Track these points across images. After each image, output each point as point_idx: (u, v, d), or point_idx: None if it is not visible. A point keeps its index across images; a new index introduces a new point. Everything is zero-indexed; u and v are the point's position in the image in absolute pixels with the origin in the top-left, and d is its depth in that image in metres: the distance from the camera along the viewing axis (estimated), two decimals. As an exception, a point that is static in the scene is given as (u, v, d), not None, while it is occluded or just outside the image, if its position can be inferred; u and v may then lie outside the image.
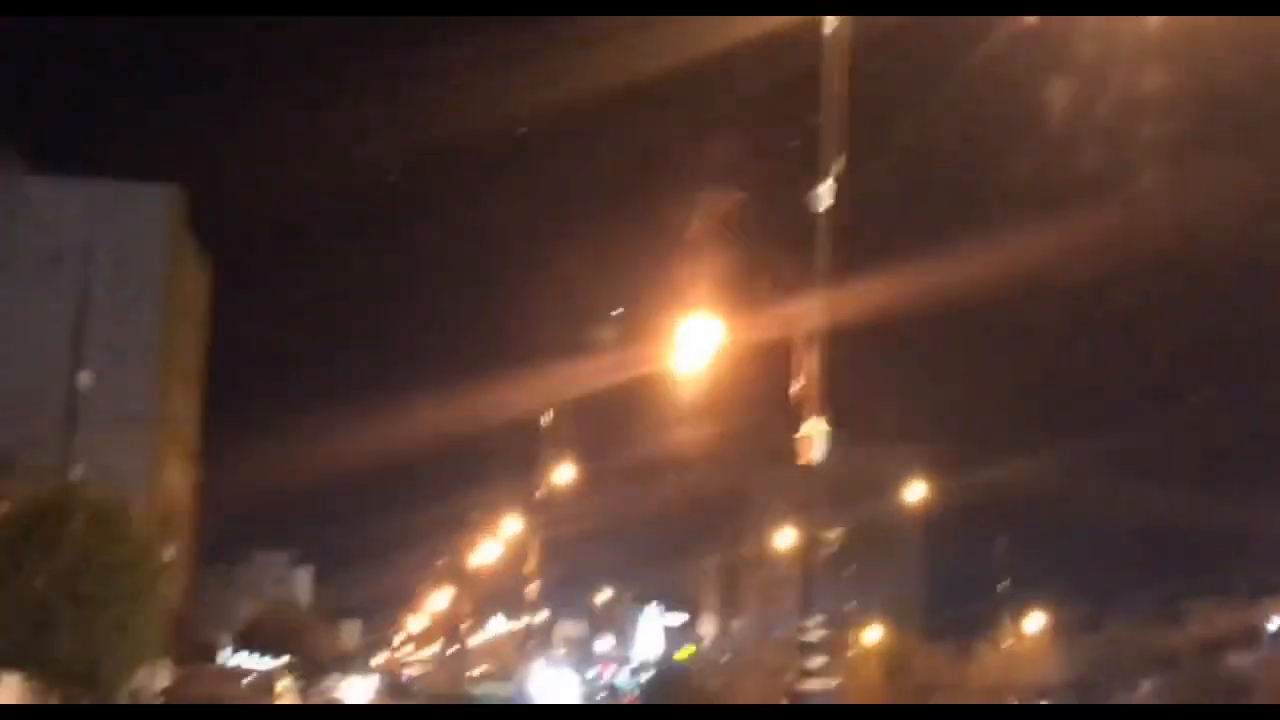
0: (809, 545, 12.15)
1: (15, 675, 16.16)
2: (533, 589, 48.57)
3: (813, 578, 12.48)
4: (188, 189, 61.06)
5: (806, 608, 12.35)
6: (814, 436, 11.94)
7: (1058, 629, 56.33)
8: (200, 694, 24.03)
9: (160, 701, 25.76)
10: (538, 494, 45.79)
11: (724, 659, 76.37)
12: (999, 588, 53.52)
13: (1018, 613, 55.00)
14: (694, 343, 15.26)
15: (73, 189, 56.25)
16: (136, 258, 56.49)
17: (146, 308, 56.64)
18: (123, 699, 16.75)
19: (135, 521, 17.01)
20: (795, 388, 12.32)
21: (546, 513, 47.80)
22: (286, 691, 29.51)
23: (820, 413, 12.07)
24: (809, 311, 12.33)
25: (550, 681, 44.47)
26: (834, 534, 12.46)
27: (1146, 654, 56.01)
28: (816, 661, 12.06)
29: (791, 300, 13.23)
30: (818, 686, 11.84)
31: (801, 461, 11.93)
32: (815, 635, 12.10)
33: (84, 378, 32.42)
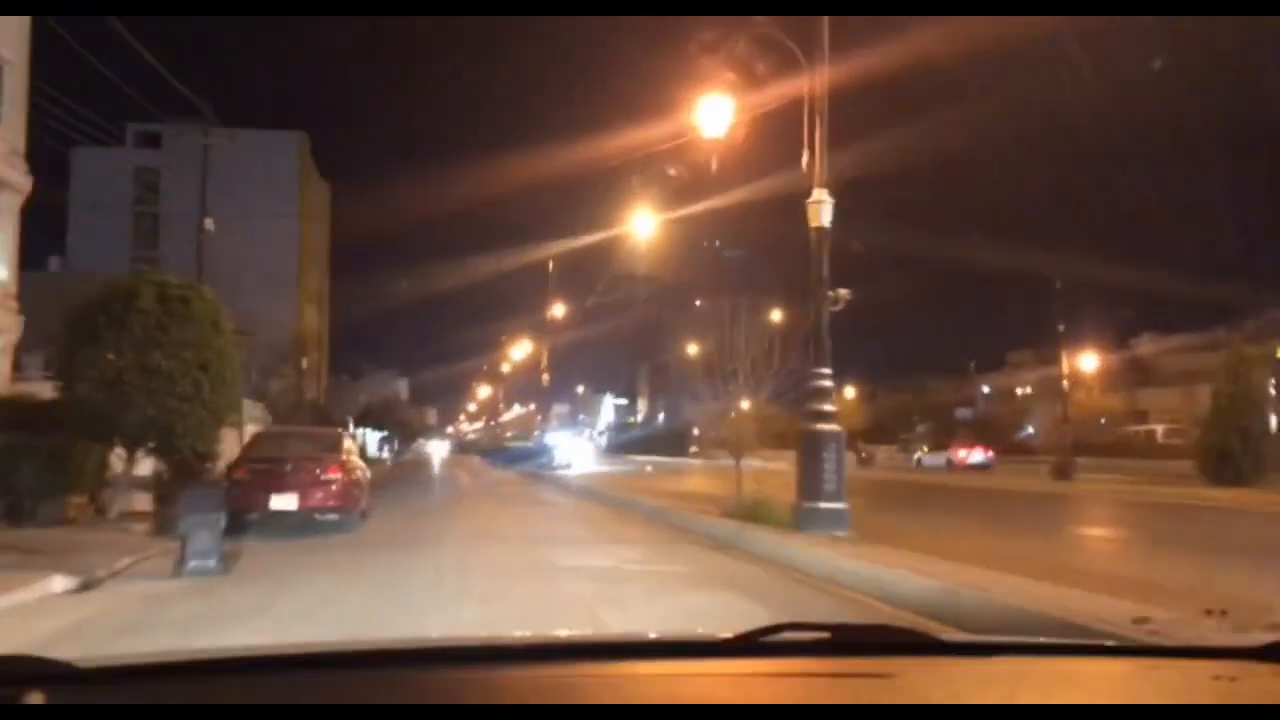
0: (820, 306, 11.70)
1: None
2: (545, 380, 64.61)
3: (822, 334, 11.92)
4: (311, 133, 78.80)
5: (820, 357, 12.08)
6: (822, 203, 11.75)
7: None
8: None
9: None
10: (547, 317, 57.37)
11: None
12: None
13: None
14: (713, 114, 13.93)
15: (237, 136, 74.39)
16: (279, 179, 74.64)
17: (287, 211, 74.95)
18: (195, 460, 15.43)
19: (203, 301, 15.33)
20: (804, 160, 12.00)
21: (549, 335, 61.39)
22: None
23: (823, 184, 11.75)
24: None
25: (554, 437, 56.60)
26: (844, 293, 12.09)
27: (911, 411, 74.36)
28: (825, 405, 12.01)
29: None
30: (827, 427, 11.65)
31: (813, 225, 11.71)
32: (824, 382, 12.05)
33: (208, 223, 31.60)
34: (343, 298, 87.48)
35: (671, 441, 74.83)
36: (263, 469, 14.04)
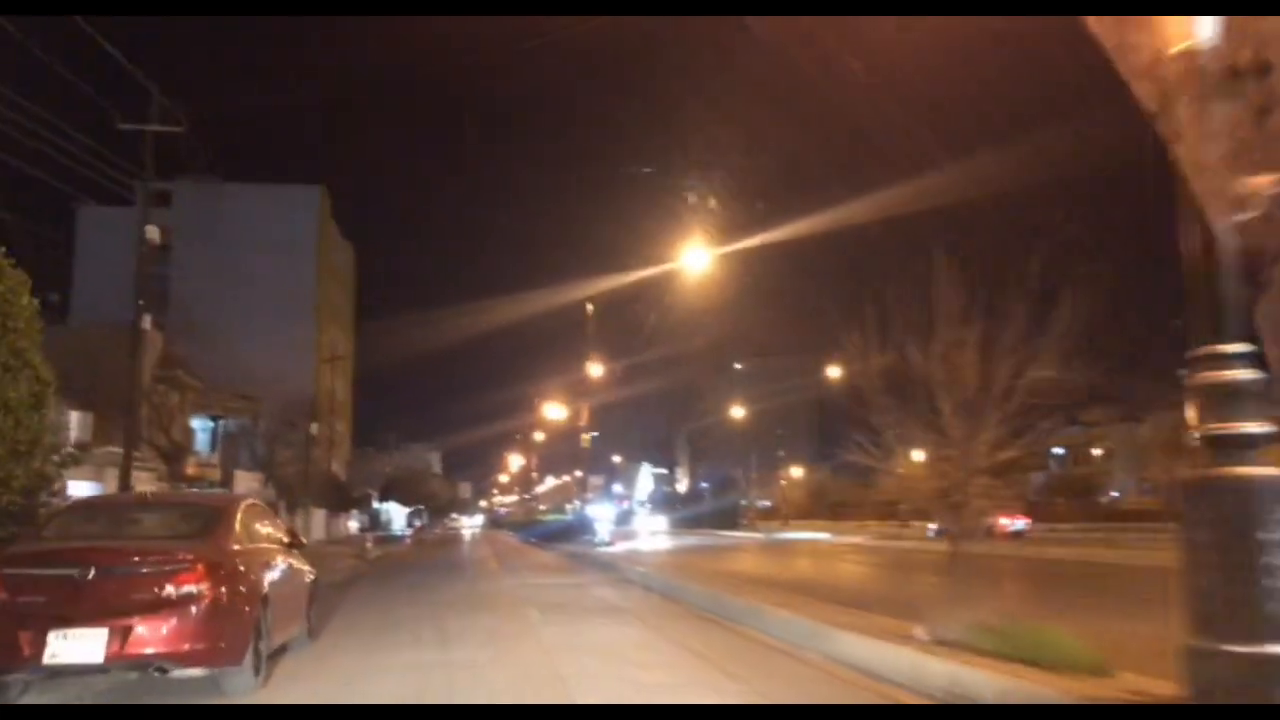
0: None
1: None
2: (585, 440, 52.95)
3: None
4: (332, 190, 73.19)
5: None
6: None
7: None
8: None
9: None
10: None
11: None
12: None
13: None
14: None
15: (251, 190, 69.41)
16: (295, 235, 68.96)
17: (304, 269, 69.19)
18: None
19: None
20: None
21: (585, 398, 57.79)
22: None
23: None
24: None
25: (595, 509, 49.07)
26: None
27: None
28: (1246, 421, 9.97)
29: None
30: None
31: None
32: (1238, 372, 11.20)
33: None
34: (368, 365, 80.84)
35: (721, 514, 67.10)
36: (39, 580, 6.75)
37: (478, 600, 14.89)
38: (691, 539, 47.55)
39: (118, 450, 24.62)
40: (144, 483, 26.88)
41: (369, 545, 38.35)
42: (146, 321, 22.76)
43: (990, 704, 5.99)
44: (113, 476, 24.79)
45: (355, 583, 20.15)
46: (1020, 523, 43.80)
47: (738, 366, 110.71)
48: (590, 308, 36.85)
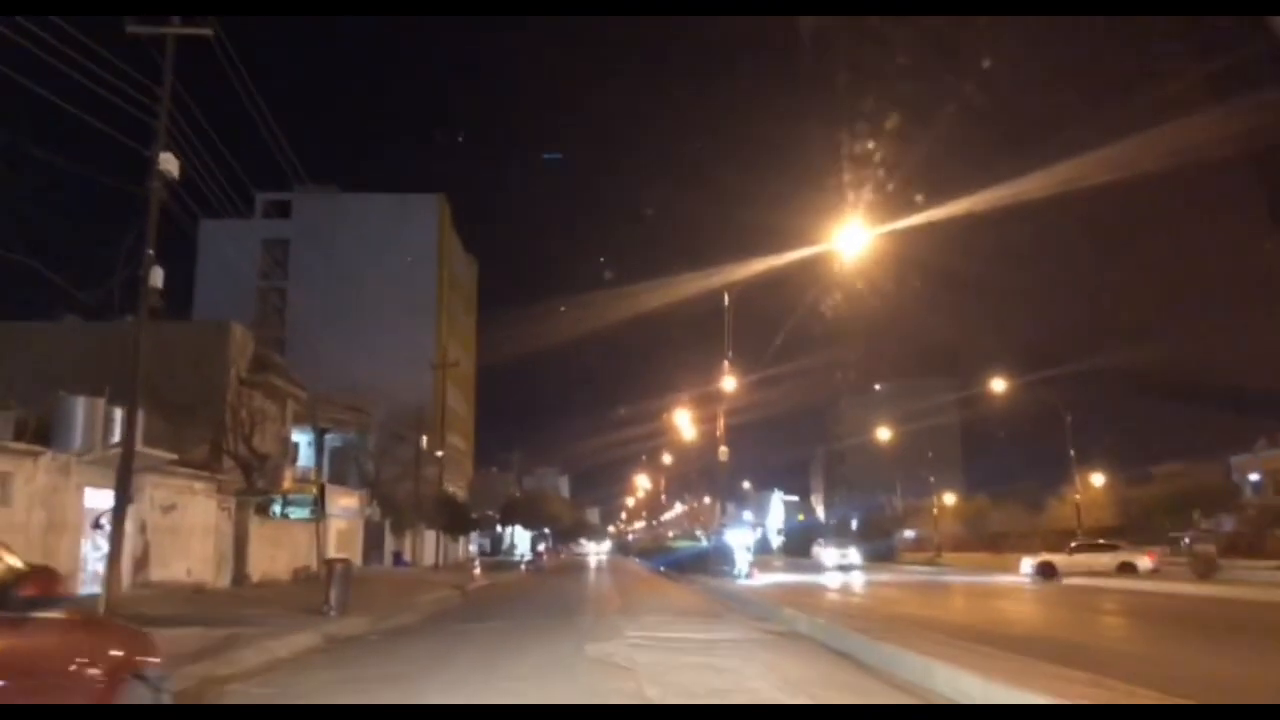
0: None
1: None
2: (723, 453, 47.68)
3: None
4: (456, 200, 69.45)
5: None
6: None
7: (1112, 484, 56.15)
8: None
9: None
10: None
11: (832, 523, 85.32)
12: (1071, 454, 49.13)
13: (1085, 473, 52.95)
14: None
15: (370, 200, 66.40)
16: (417, 244, 65.39)
17: (424, 279, 65.45)
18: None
19: None
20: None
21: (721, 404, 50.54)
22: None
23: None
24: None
25: (732, 536, 45.50)
26: None
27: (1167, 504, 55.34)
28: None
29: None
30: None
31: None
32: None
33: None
34: (493, 386, 76.81)
35: (877, 548, 60.01)
36: None
37: (573, 671, 9.02)
38: (840, 575, 40.72)
39: (162, 455, 19.88)
40: (194, 494, 22.09)
41: (476, 572, 33.18)
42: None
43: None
44: (153, 483, 20.08)
45: (417, 630, 14.63)
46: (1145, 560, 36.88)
47: (877, 387, 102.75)
48: (728, 298, 30.79)
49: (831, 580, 35.13)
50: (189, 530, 21.52)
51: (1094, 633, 14.76)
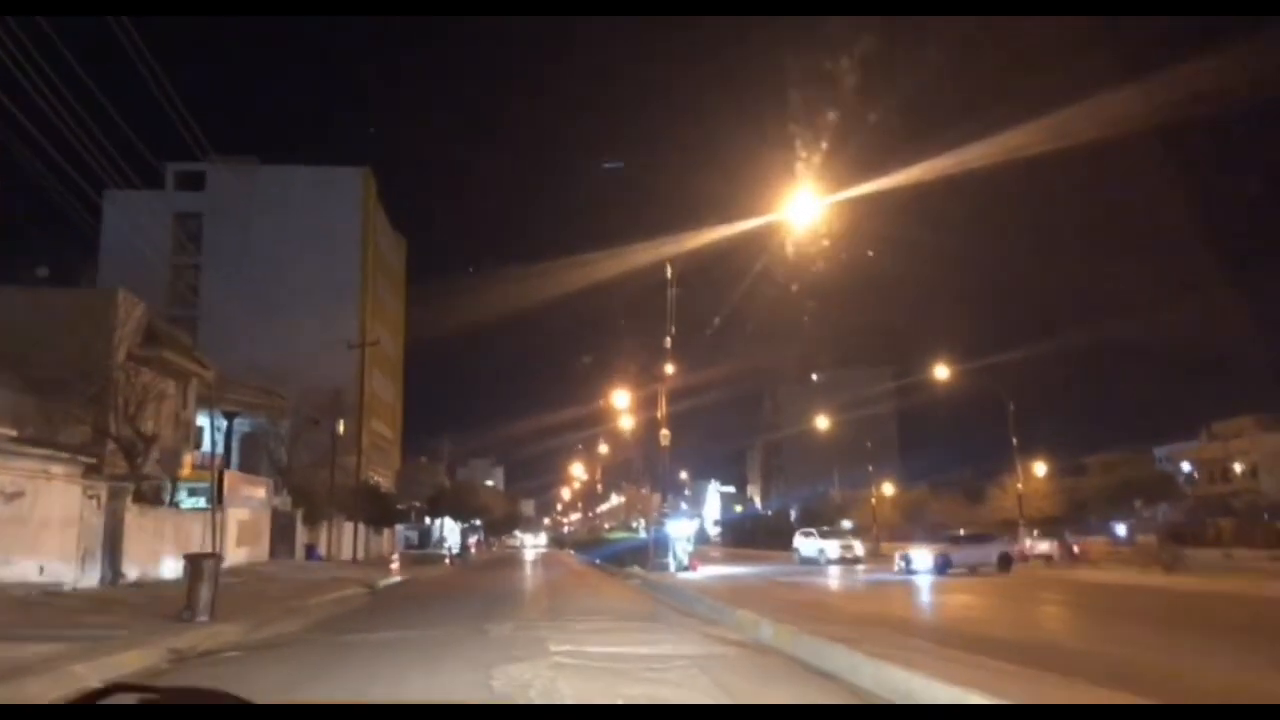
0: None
1: None
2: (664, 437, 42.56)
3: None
4: (379, 174, 65.53)
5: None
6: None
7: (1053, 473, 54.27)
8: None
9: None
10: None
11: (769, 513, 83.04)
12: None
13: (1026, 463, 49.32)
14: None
15: (289, 172, 61.99)
16: (339, 221, 61.46)
17: (347, 258, 61.54)
18: None
19: None
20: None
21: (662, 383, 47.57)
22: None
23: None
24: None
25: (673, 527, 42.87)
26: None
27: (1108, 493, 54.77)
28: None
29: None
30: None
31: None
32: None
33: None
34: (423, 372, 72.93)
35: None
36: None
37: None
38: (776, 566, 38.39)
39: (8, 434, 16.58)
40: (50, 479, 18.72)
41: (393, 567, 30.11)
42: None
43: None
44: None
45: (289, 644, 11.71)
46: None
47: (815, 377, 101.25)
48: (670, 271, 28.13)
49: (761, 570, 32.83)
50: (41, 521, 18.17)
51: (1118, 639, 12.42)
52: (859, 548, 41.38)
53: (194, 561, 13.60)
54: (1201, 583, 22.72)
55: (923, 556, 30.07)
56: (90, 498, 20.14)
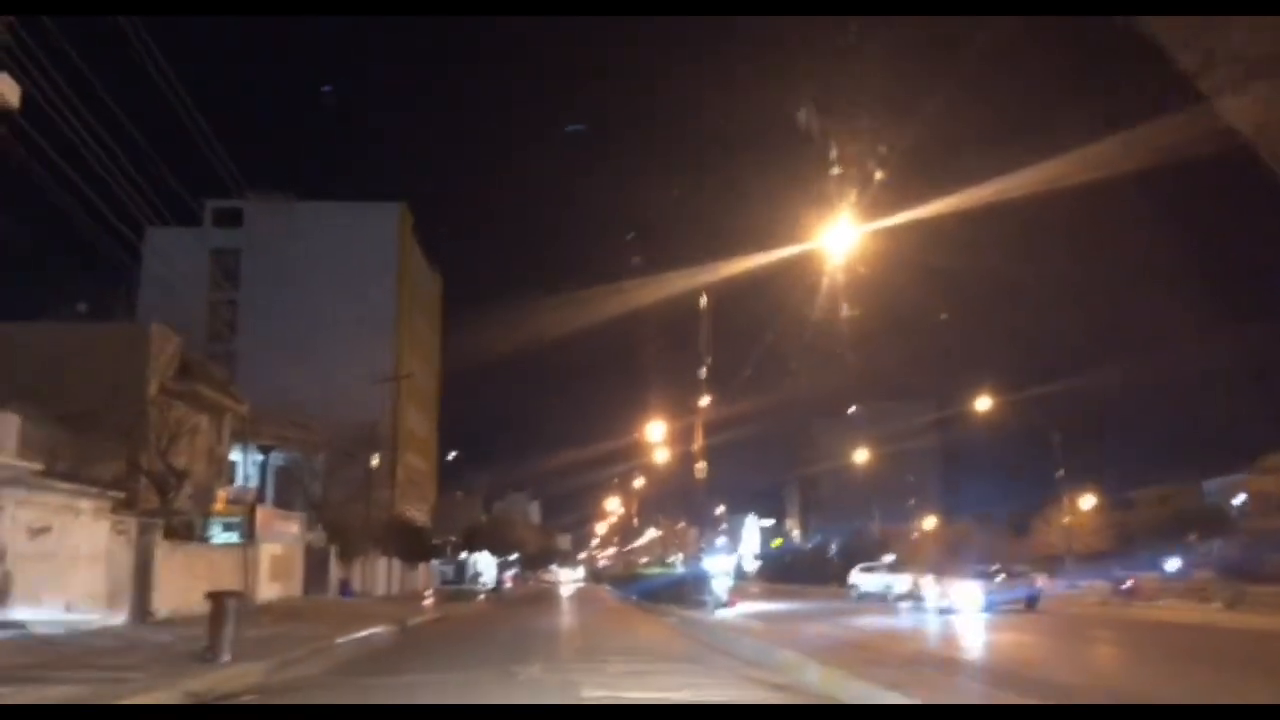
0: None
1: None
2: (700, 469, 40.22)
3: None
4: (415, 208, 65.71)
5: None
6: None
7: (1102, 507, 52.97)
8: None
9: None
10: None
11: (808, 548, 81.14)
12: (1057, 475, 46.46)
13: (1073, 496, 50.19)
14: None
15: (326, 208, 62.28)
16: (375, 256, 61.72)
17: (383, 293, 61.67)
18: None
19: None
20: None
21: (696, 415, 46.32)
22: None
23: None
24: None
25: (711, 563, 38.99)
26: None
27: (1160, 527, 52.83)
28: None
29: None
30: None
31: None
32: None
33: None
34: (459, 406, 72.67)
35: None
36: None
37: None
38: (818, 603, 37.20)
39: (24, 465, 16.31)
40: (78, 514, 18.42)
41: (426, 604, 29.59)
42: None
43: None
44: (18, 500, 16.44)
45: (309, 687, 11.18)
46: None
47: (852, 410, 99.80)
48: (704, 300, 27.56)
49: (799, 607, 31.54)
50: (69, 557, 17.86)
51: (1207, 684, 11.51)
52: (924, 583, 38.47)
53: (216, 599, 13.16)
54: (1269, 621, 21.54)
55: (968, 590, 28.77)
56: (119, 533, 19.85)
